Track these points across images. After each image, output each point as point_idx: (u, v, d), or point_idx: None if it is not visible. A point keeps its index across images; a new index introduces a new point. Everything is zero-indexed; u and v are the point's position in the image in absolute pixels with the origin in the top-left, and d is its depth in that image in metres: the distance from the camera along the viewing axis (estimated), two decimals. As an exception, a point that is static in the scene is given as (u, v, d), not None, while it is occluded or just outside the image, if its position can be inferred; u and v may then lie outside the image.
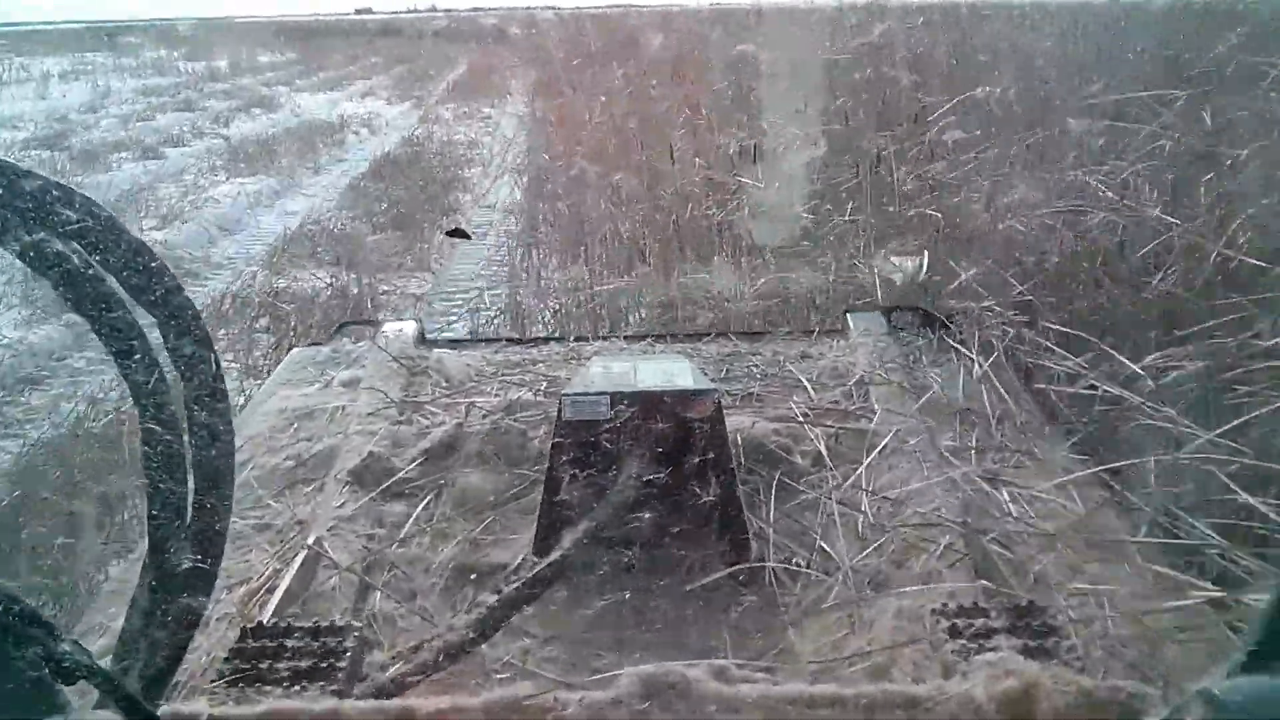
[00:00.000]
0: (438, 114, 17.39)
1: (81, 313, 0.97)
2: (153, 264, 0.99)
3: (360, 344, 2.69)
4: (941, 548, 1.66)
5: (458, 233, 7.32)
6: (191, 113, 17.31)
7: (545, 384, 2.39)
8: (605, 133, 7.50)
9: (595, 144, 7.31)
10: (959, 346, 2.51)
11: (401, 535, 1.82)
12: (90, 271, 0.95)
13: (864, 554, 1.70)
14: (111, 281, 0.98)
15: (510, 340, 2.87)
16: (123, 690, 0.83)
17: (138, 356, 0.97)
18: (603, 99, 8.49)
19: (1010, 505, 1.82)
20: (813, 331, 2.79)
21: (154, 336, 1.02)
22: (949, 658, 1.26)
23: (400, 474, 1.99)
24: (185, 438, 1.01)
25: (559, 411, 1.76)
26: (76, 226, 0.94)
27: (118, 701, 0.82)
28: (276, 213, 9.20)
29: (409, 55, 29.48)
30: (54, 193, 0.94)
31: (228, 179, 10.70)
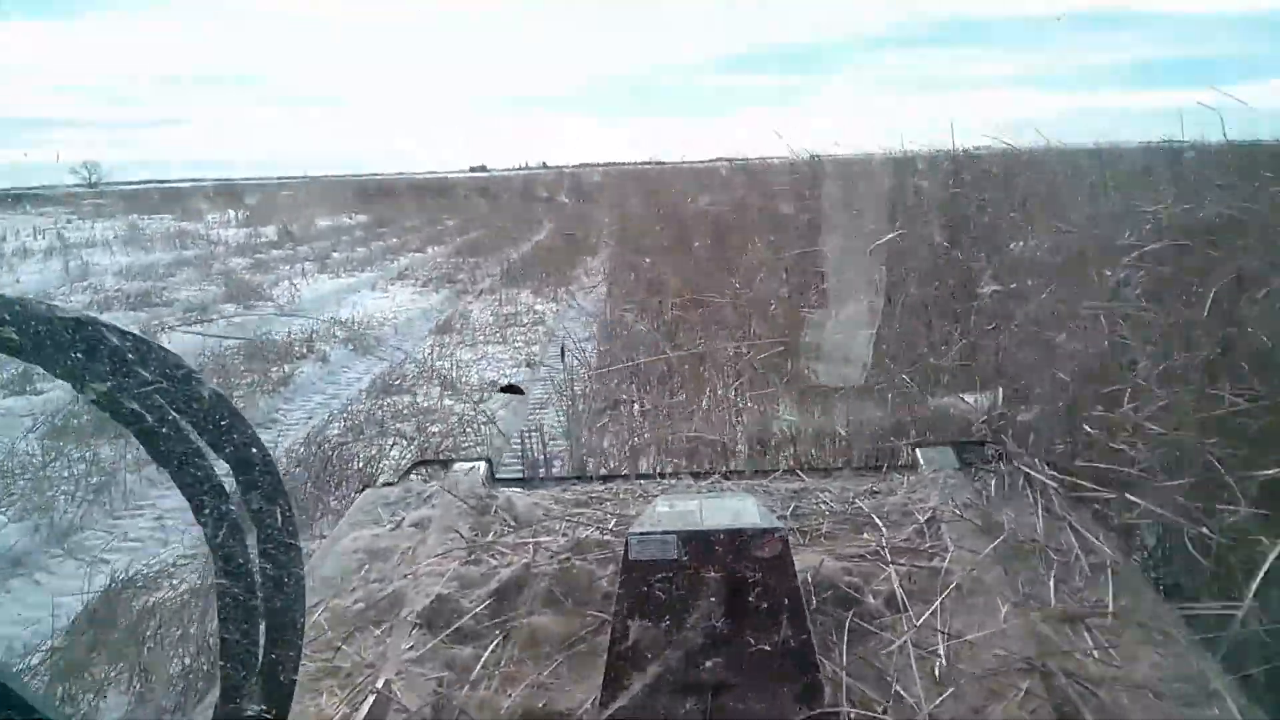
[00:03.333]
0: (471, 315, 13.32)
1: (162, 464, 1.01)
2: (231, 418, 1.03)
3: (431, 483, 2.72)
4: (1022, 693, 1.60)
5: (512, 389, 7.12)
6: (141, 311, 14.17)
7: (613, 522, 2.39)
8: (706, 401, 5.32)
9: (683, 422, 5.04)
10: (1033, 483, 2.47)
11: (471, 679, 1.81)
12: (169, 427, 0.99)
13: (941, 699, 1.65)
14: (191, 433, 1.02)
15: (578, 478, 2.88)
16: None
17: (214, 510, 1.00)
18: (704, 300, 6.62)
19: (1093, 649, 1.76)
20: (882, 467, 2.77)
21: (229, 483, 1.05)
22: None
23: (468, 616, 1.99)
24: (257, 588, 1.04)
25: (625, 551, 1.75)
26: (155, 383, 0.98)
27: None
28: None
29: (489, 219, 27.34)
30: (134, 347, 0.99)
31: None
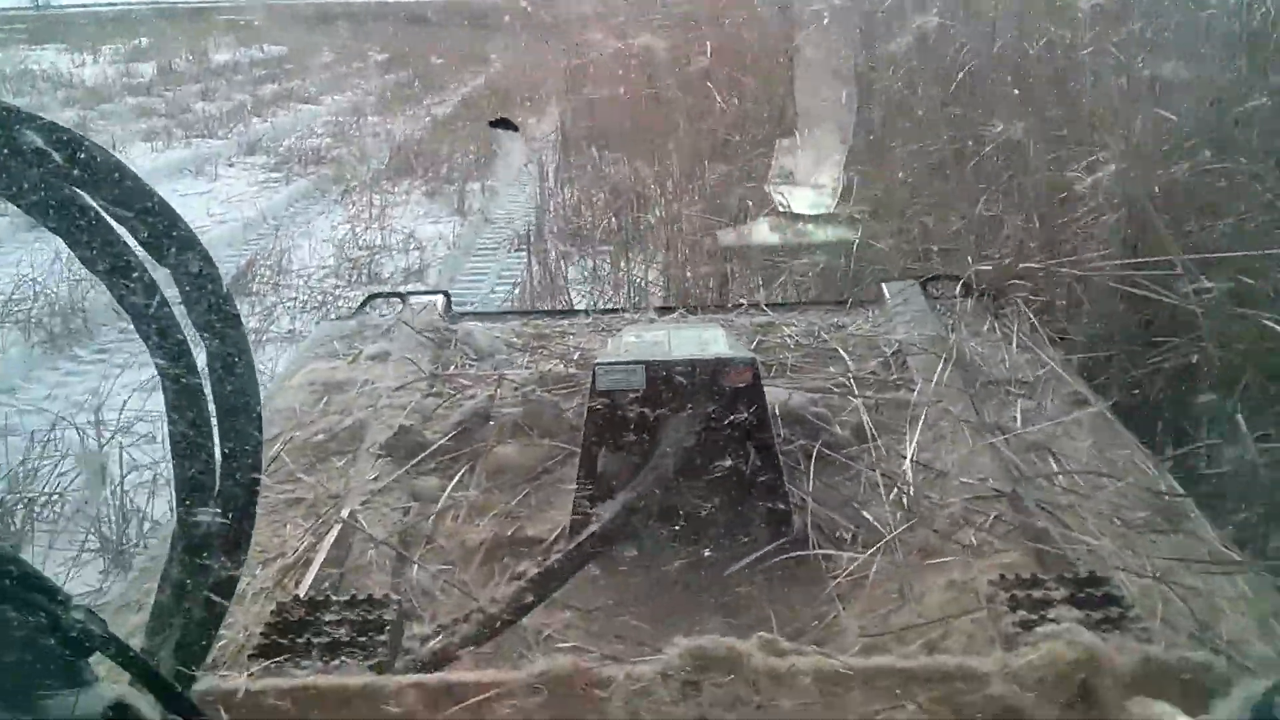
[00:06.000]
0: (308, 243, 7.17)
1: (103, 277, 0.93)
2: (174, 222, 0.94)
3: (387, 316, 2.66)
4: (991, 519, 1.62)
5: (504, 123, 6.31)
6: None
7: (577, 355, 2.35)
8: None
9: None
10: (998, 314, 2.46)
11: (437, 509, 1.79)
12: (105, 227, 0.91)
13: (909, 525, 1.66)
14: (130, 240, 0.93)
15: (538, 313, 2.83)
16: (145, 664, 0.79)
17: (159, 322, 0.93)
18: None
19: (1059, 476, 1.77)
20: (848, 301, 2.74)
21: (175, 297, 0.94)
22: (1009, 630, 1.21)
23: (433, 447, 1.96)
24: (209, 406, 0.97)
25: (592, 381, 1.71)
26: (90, 177, 0.89)
27: (143, 675, 0.78)
28: None
29: (420, 54, 21.20)
30: (64, 139, 0.89)
31: None
